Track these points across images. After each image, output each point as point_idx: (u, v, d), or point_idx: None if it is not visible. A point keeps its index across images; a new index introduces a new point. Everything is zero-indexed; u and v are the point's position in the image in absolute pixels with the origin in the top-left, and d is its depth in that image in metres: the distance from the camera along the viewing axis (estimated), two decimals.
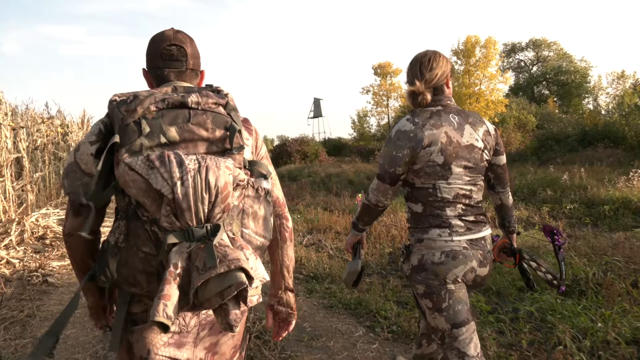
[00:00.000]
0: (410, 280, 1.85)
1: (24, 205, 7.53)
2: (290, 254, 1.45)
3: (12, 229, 6.11)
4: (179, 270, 1.03)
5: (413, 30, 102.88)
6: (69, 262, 5.38)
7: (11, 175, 8.00)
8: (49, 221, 6.70)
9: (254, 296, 1.14)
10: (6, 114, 8.90)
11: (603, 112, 21.09)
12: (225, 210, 1.11)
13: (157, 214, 1.07)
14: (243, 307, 1.08)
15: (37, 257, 5.55)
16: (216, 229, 1.08)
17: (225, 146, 1.19)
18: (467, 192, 1.81)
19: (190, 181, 1.05)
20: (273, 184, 1.38)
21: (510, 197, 2.02)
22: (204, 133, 1.16)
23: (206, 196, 1.07)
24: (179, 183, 1.04)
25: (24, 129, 9.84)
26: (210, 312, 1.28)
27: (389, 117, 40.24)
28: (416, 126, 1.76)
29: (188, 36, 1.39)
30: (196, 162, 1.08)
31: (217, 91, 1.26)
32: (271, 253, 1.44)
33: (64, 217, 6.33)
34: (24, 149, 8.80)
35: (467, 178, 1.80)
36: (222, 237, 1.07)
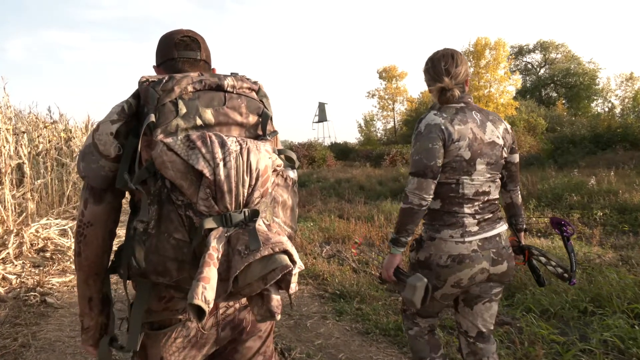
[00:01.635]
0: (411, 268, 1.92)
1: (24, 214, 7.11)
2: None
3: (10, 241, 5.68)
4: (218, 254, 0.99)
5: (417, 33, 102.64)
6: (70, 278, 4.97)
7: (11, 183, 7.61)
8: (49, 232, 6.27)
9: (293, 283, 1.08)
10: (10, 119, 8.53)
11: (617, 113, 20.55)
12: (264, 195, 1.09)
13: (193, 198, 1.03)
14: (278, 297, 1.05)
15: (36, 272, 5.12)
16: (254, 214, 1.05)
17: (257, 132, 1.17)
18: (487, 189, 1.83)
19: (232, 162, 1.02)
20: None
21: (520, 195, 2.02)
22: (238, 117, 1.14)
23: (247, 179, 1.04)
24: (221, 164, 1.01)
25: (26, 134, 9.47)
26: (230, 310, 1.25)
27: (394, 121, 39.87)
28: (445, 120, 1.76)
29: (199, 33, 1.38)
30: (237, 144, 1.05)
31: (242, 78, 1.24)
32: None
33: (66, 227, 5.88)
34: (25, 155, 8.41)
35: (488, 175, 1.82)
36: (260, 223, 1.04)
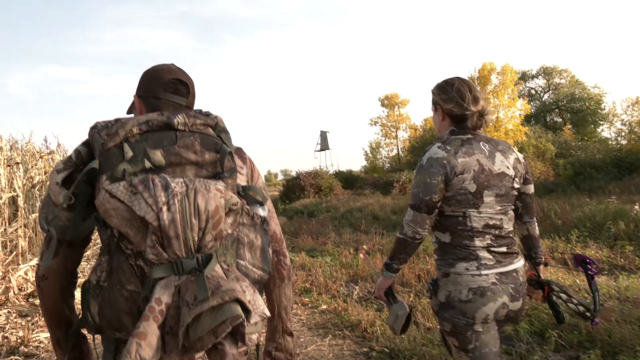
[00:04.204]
0: (438, 316, 1.81)
1: (14, 253, 6.37)
2: (288, 293, 1.38)
3: None
4: (161, 307, 0.95)
5: (418, 61, 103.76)
6: None
7: (2, 219, 6.89)
8: None
9: (253, 334, 1.03)
10: (0, 149, 7.90)
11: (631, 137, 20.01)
12: (218, 238, 1.04)
13: (142, 246, 1.00)
14: (241, 347, 1.01)
15: (23, 323, 4.36)
16: (208, 259, 1.02)
17: (215, 170, 1.12)
18: (498, 222, 1.77)
19: (177, 206, 0.98)
20: (271, 217, 1.30)
21: (537, 227, 1.96)
22: (192, 156, 1.10)
23: (195, 222, 1.00)
24: (164, 208, 0.97)
25: (21, 164, 8.82)
26: None
27: (398, 149, 39.44)
28: (449, 153, 1.73)
29: (190, 76, 1.34)
30: (183, 185, 1.02)
31: (206, 114, 1.20)
32: (267, 293, 1.34)
33: None
34: (19, 187, 7.73)
35: (498, 207, 1.77)
36: (215, 268, 1.02)
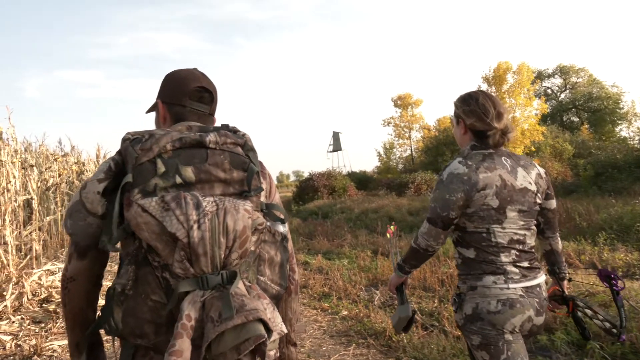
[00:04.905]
0: (464, 330, 1.76)
1: (28, 257, 6.29)
2: (294, 307, 1.39)
3: (8, 291, 4.83)
4: (192, 322, 0.97)
5: (431, 61, 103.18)
6: None
7: (17, 222, 6.84)
8: (55, 279, 5.40)
9: (272, 350, 1.09)
10: (16, 151, 7.85)
11: None
12: (243, 256, 1.08)
13: (169, 260, 1.02)
14: None
15: (36, 330, 4.25)
16: (233, 276, 1.04)
17: (242, 188, 1.16)
18: (521, 237, 1.76)
19: (207, 224, 1.01)
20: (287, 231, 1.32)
21: (560, 242, 1.95)
22: (221, 174, 1.13)
23: (223, 241, 1.03)
24: (195, 226, 1.00)
25: (35, 167, 8.78)
26: None
27: (411, 149, 39.08)
28: (470, 169, 1.71)
29: (213, 83, 1.38)
30: (214, 204, 1.04)
31: (234, 131, 1.23)
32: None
33: None
34: (34, 190, 7.67)
35: (522, 222, 1.75)
36: (239, 286, 1.04)
